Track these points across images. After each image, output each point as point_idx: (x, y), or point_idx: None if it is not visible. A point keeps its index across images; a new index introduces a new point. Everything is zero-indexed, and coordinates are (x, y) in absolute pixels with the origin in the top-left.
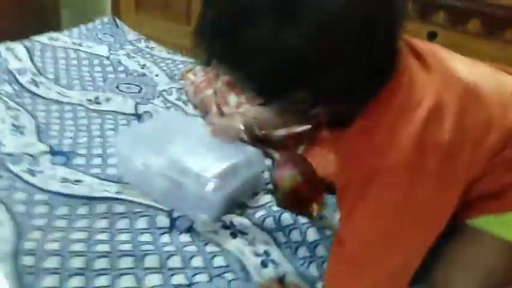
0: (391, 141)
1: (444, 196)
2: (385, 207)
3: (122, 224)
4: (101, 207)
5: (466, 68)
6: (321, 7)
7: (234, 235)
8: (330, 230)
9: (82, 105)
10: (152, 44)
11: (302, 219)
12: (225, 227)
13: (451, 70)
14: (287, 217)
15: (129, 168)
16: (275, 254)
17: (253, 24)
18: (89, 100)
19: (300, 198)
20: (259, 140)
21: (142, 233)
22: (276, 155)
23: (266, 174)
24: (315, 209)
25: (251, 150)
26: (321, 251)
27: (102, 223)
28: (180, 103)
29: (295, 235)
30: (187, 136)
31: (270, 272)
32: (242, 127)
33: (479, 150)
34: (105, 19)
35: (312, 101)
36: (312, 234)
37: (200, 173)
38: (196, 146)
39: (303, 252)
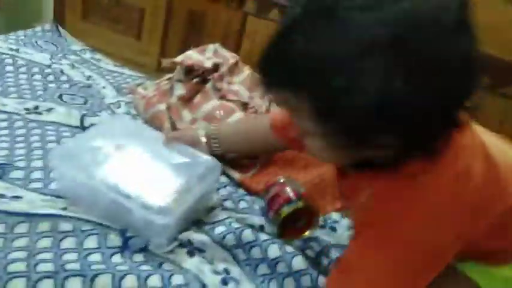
0: (428, 193)
1: (456, 246)
2: (403, 250)
3: (68, 243)
4: (44, 225)
5: (485, 135)
6: (441, 52)
7: (191, 253)
8: (292, 247)
9: (19, 114)
10: (98, 55)
11: (264, 236)
12: (182, 245)
13: (475, 134)
14: (248, 234)
15: (67, 185)
16: (235, 271)
17: (359, 66)
18: (27, 109)
19: (298, 225)
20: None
21: (91, 252)
22: (232, 173)
23: (223, 191)
24: (307, 234)
25: (204, 165)
26: (281, 267)
27: (45, 242)
28: (129, 117)
29: (256, 252)
30: (135, 148)
31: None
32: (204, 139)
33: (487, 215)
34: (47, 26)
35: (391, 147)
36: (272, 251)
37: (147, 200)
38: (144, 161)
39: (263, 269)
